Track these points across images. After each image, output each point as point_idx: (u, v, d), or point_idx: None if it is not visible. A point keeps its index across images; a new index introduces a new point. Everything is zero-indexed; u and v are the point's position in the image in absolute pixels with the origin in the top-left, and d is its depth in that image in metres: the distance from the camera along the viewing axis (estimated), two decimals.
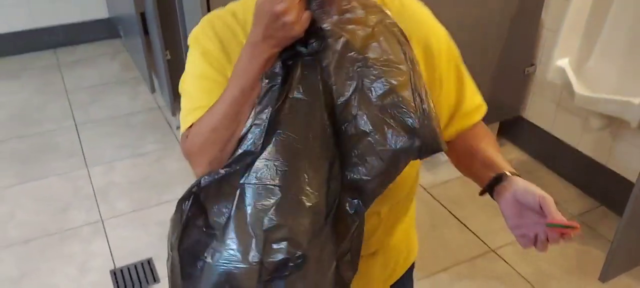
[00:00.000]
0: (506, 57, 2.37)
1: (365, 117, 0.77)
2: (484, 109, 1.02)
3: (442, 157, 2.60)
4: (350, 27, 0.77)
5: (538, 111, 2.53)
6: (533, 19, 2.36)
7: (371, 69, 0.76)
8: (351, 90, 0.77)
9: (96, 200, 2.38)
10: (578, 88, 1.95)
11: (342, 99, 0.78)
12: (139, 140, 2.82)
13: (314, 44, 0.78)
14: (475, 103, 1.01)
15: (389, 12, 0.81)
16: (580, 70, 2.08)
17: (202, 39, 0.92)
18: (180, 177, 2.53)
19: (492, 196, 0.88)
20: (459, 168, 1.01)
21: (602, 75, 2.06)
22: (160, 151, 2.73)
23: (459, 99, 0.99)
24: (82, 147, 2.75)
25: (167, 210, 2.32)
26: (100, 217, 2.28)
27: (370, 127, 0.76)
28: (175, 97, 2.80)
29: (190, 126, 0.88)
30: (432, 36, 0.94)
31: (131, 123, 2.96)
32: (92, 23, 3.83)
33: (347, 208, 0.81)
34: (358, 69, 0.77)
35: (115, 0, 3.47)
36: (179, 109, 2.45)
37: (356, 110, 0.77)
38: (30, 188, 2.46)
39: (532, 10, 2.34)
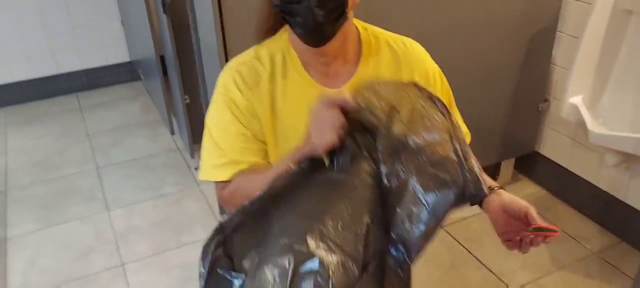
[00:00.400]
0: (519, 94, 2.38)
1: (412, 177, 0.81)
2: (469, 136, 1.16)
3: None
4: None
5: (553, 146, 2.52)
6: (544, 56, 2.39)
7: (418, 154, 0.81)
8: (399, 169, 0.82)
9: (117, 244, 2.42)
10: (592, 126, 1.95)
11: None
12: (158, 181, 2.87)
13: (337, 165, 0.84)
14: (464, 130, 1.12)
15: (417, 90, 0.87)
16: (594, 108, 2.08)
17: (230, 89, 1.01)
18: (199, 218, 2.57)
19: (481, 207, 1.00)
20: None
21: (616, 112, 2.06)
22: (179, 192, 2.77)
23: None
24: (103, 190, 2.81)
25: (187, 253, 2.36)
26: (121, 261, 2.32)
27: (417, 183, 0.81)
28: (193, 140, 2.86)
29: (229, 180, 0.99)
30: (430, 70, 1.11)
31: (151, 165, 3.02)
32: (114, 67, 3.95)
33: (390, 263, 0.83)
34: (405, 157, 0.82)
35: (136, 43, 3.58)
36: (197, 150, 2.47)
37: (402, 171, 0.81)
38: (52, 234, 2.52)
39: (543, 48, 2.36)
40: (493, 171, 2.63)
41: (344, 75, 1.05)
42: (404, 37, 1.11)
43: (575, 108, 2.06)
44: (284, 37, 1.06)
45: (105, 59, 3.90)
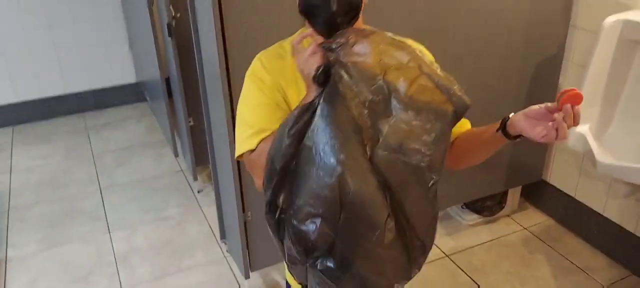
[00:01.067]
0: None
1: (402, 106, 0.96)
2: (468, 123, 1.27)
3: (463, 221, 2.57)
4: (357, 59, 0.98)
5: (561, 175, 2.48)
6: (551, 84, 2.36)
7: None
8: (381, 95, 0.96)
9: (117, 267, 2.40)
10: (600, 156, 1.91)
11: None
12: (161, 203, 2.86)
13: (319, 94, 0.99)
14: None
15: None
16: (602, 137, 2.05)
17: (257, 72, 1.16)
18: (201, 242, 2.55)
19: (505, 133, 1.08)
20: (461, 163, 1.23)
21: (624, 142, 2.02)
22: (182, 215, 2.76)
23: None
24: (105, 211, 2.80)
25: (187, 277, 2.33)
26: (120, 285, 2.29)
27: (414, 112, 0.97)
28: (197, 162, 2.85)
29: (256, 147, 1.12)
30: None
31: (154, 186, 3.01)
32: (121, 88, 3.98)
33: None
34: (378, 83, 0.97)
35: (143, 65, 3.61)
36: (200, 172, 2.47)
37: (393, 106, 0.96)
38: (53, 255, 2.50)
39: (550, 75, 2.34)
40: (500, 199, 2.59)
41: None
42: (404, 38, 1.18)
43: (582, 137, 2.02)
44: (304, 29, 1.17)
45: (112, 80, 3.93)
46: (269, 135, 1.12)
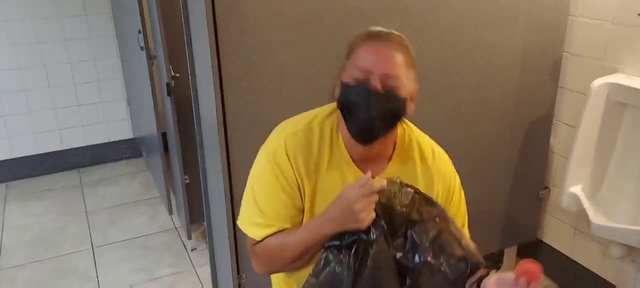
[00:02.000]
0: (519, 181, 2.38)
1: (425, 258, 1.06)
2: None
3: None
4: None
5: (556, 235, 2.48)
6: (542, 144, 2.40)
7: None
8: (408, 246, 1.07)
9: None
10: (594, 217, 1.93)
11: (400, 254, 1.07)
12: (154, 263, 2.81)
13: (375, 234, 1.03)
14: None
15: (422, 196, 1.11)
16: (594, 198, 2.07)
17: (279, 160, 1.11)
18: None
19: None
20: None
21: (616, 203, 2.04)
22: (174, 275, 2.71)
23: (463, 225, 1.28)
24: (97, 272, 2.75)
25: None
26: None
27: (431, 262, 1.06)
28: (191, 220, 2.83)
29: (262, 238, 1.13)
30: (451, 187, 1.24)
31: (148, 245, 2.97)
32: (117, 143, 3.99)
33: None
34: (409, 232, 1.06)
35: (140, 121, 3.64)
36: (195, 230, 2.45)
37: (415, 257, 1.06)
38: None
39: (541, 135, 2.38)
40: (496, 259, 2.58)
41: (378, 166, 1.17)
42: (432, 142, 1.24)
43: (575, 197, 2.04)
44: (336, 113, 1.17)
45: (108, 136, 3.95)
46: (276, 232, 1.13)
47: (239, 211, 1.84)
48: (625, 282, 2.19)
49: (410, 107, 1.12)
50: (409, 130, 1.23)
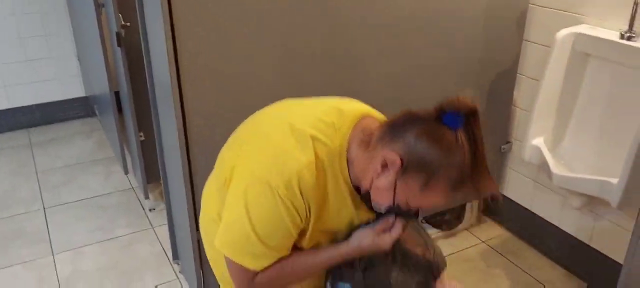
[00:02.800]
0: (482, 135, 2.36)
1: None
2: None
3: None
4: None
5: (517, 188, 2.50)
6: (505, 98, 2.39)
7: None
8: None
9: None
10: (555, 168, 1.93)
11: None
12: (110, 223, 2.71)
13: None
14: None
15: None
16: (556, 150, 2.07)
17: (294, 198, 1.01)
18: (152, 263, 2.42)
19: None
20: None
21: (578, 154, 2.05)
22: (132, 235, 2.62)
23: None
24: (49, 233, 2.63)
25: None
26: None
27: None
28: (148, 179, 2.72)
29: (263, 269, 1.07)
30: None
31: (103, 205, 2.86)
32: (68, 102, 3.80)
33: None
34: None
35: (92, 78, 3.46)
36: (152, 190, 2.37)
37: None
38: None
39: (504, 90, 2.36)
40: (458, 213, 2.59)
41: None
42: None
43: (537, 150, 2.04)
44: (341, 141, 1.07)
45: (59, 94, 3.75)
46: (278, 261, 1.08)
47: (195, 166, 1.78)
48: (583, 233, 2.23)
49: None
50: None
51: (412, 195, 1.01)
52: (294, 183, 1.00)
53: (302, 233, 1.10)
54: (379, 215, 1.12)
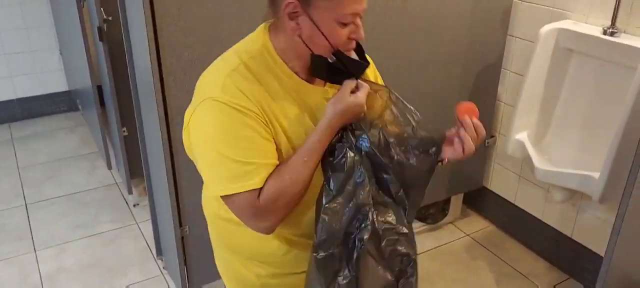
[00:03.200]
0: None
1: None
2: None
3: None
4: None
5: (501, 182, 2.52)
6: (490, 93, 2.40)
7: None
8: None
9: None
10: (538, 162, 1.94)
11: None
12: (93, 219, 2.68)
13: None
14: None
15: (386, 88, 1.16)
16: (539, 144, 2.09)
17: (239, 101, 1.00)
18: (136, 259, 2.40)
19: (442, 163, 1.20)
20: None
21: (560, 148, 2.07)
22: (115, 231, 2.60)
23: None
24: (31, 229, 2.60)
25: None
26: None
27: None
28: (132, 174, 2.70)
29: (259, 188, 1.00)
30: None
31: (86, 201, 2.83)
32: (51, 96, 3.74)
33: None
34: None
35: (74, 72, 3.41)
36: (136, 185, 2.34)
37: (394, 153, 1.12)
38: None
39: (489, 85, 2.37)
40: (443, 206, 2.60)
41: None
42: None
43: (521, 144, 2.06)
44: (261, 40, 1.08)
45: (41, 88, 3.69)
46: (275, 173, 1.01)
47: (178, 160, 1.76)
48: (565, 226, 2.26)
49: None
50: None
51: (331, 14, 1.00)
52: (229, 83, 1.01)
53: (280, 153, 1.06)
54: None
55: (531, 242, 2.44)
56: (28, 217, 2.69)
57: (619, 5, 1.81)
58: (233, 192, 1.00)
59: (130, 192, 2.76)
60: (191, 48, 1.64)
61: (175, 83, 1.66)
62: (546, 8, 2.11)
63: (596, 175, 1.77)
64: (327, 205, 1.03)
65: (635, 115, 1.65)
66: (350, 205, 1.04)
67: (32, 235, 2.56)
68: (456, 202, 2.61)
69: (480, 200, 2.65)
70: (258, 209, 1.01)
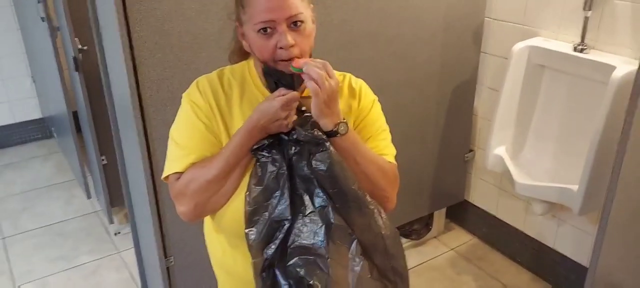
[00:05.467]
0: (445, 145, 2.41)
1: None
2: (393, 154, 1.25)
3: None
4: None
5: (482, 195, 2.56)
6: (467, 108, 2.44)
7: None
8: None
9: None
10: (517, 176, 1.98)
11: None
12: (73, 250, 2.63)
13: (294, 134, 1.07)
14: (390, 149, 1.24)
15: None
16: (517, 158, 2.13)
17: (192, 94, 1.16)
18: None
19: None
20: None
21: (538, 162, 2.11)
22: (97, 261, 2.55)
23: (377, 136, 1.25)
24: (10, 264, 2.53)
25: None
26: None
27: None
28: (112, 203, 2.65)
29: (182, 172, 1.12)
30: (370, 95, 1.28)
31: (65, 231, 2.77)
32: (24, 124, 3.66)
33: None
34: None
35: (48, 99, 3.35)
36: (116, 213, 2.28)
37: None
38: None
39: (465, 100, 2.42)
40: (426, 222, 2.63)
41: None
42: (343, 72, 1.27)
43: (500, 159, 2.09)
44: (245, 64, 1.21)
45: (13, 116, 3.61)
46: (197, 161, 1.11)
47: (161, 190, 1.75)
48: (547, 237, 2.30)
49: (313, 28, 1.14)
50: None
51: (251, 25, 1.07)
52: (194, 84, 1.17)
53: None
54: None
55: (514, 254, 2.48)
56: (6, 251, 2.63)
57: (587, 23, 1.87)
58: (165, 174, 1.15)
59: (110, 221, 2.72)
60: (170, 79, 1.63)
61: (154, 112, 1.65)
62: (517, 26, 2.16)
63: (575, 187, 1.81)
64: (247, 217, 1.08)
65: (608, 129, 1.71)
66: (265, 217, 1.07)
67: (11, 269, 2.50)
68: (439, 216, 2.63)
69: (462, 213, 2.68)
70: (174, 191, 1.13)
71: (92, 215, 2.91)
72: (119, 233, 2.73)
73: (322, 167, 1.05)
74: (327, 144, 1.06)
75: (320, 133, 1.06)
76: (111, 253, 2.60)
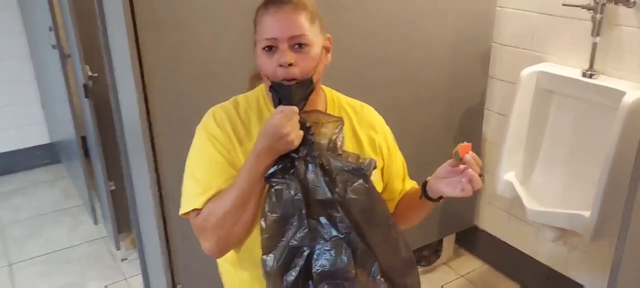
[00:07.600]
0: None
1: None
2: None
3: None
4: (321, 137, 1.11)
5: (491, 221, 2.54)
6: (475, 133, 2.44)
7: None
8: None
9: None
10: (528, 202, 1.96)
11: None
12: (79, 277, 2.61)
13: (304, 150, 1.07)
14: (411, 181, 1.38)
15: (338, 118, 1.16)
16: (527, 183, 2.12)
17: (210, 125, 1.16)
18: None
19: (427, 195, 1.22)
20: (403, 222, 1.33)
21: (548, 187, 2.10)
22: None
23: (405, 172, 1.41)
24: None
25: None
26: None
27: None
28: (119, 229, 2.65)
29: (200, 208, 1.11)
30: (377, 139, 1.31)
31: (71, 258, 2.76)
32: (32, 149, 3.68)
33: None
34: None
35: (57, 124, 3.37)
36: (123, 239, 2.52)
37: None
38: None
39: (474, 125, 2.42)
40: (436, 248, 2.60)
41: None
42: (361, 102, 1.32)
43: (509, 184, 2.08)
44: (259, 90, 1.23)
45: (22, 142, 3.63)
46: (216, 195, 1.11)
47: (169, 217, 1.74)
48: (558, 263, 2.27)
49: (327, 57, 1.17)
50: (336, 95, 1.29)
51: (258, 44, 1.11)
52: (210, 115, 1.18)
53: None
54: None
55: (525, 281, 2.45)
56: (12, 278, 2.61)
57: (595, 48, 1.88)
58: (183, 210, 1.14)
59: (117, 248, 2.71)
60: (181, 106, 1.64)
61: (164, 139, 1.65)
62: (525, 51, 2.17)
63: (586, 213, 1.79)
64: (264, 243, 1.07)
65: (619, 154, 1.69)
66: (283, 243, 1.06)
67: None
68: (449, 242, 2.61)
69: (472, 239, 2.66)
70: (195, 227, 1.13)
71: (99, 240, 2.90)
72: (126, 259, 2.72)
73: (359, 197, 1.07)
74: (368, 174, 1.09)
75: (363, 161, 1.09)
76: (118, 280, 2.59)
